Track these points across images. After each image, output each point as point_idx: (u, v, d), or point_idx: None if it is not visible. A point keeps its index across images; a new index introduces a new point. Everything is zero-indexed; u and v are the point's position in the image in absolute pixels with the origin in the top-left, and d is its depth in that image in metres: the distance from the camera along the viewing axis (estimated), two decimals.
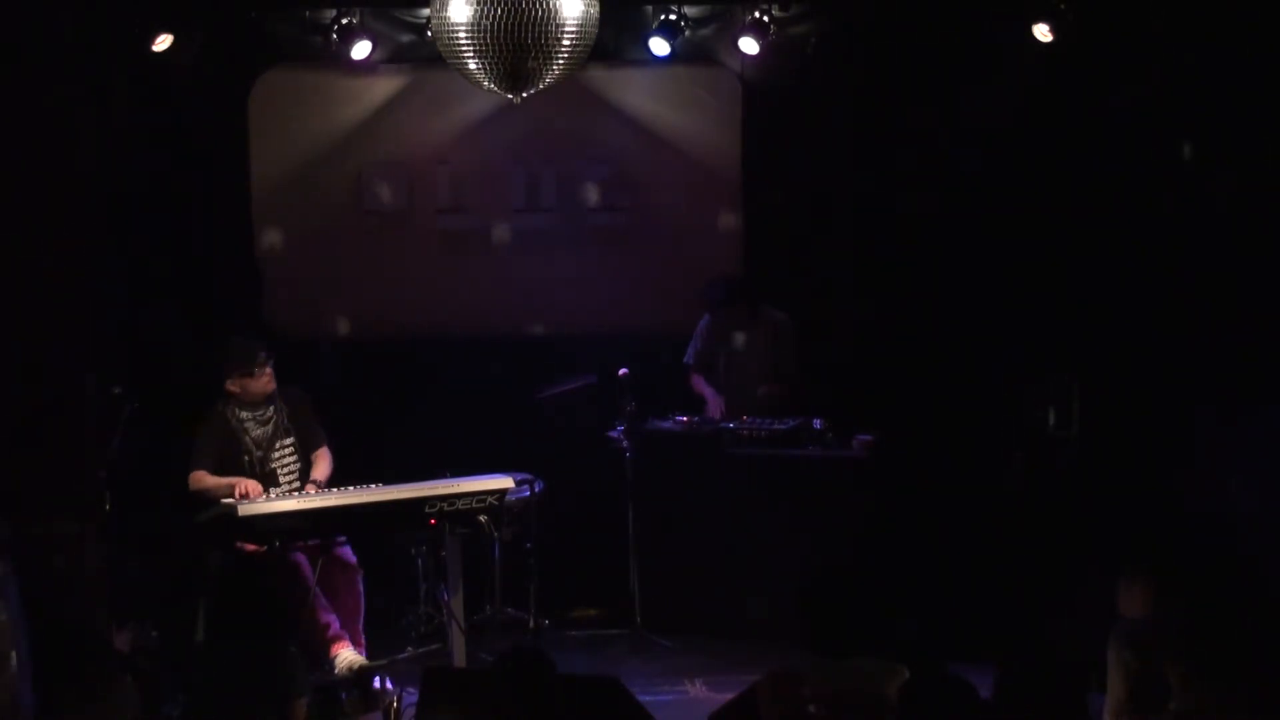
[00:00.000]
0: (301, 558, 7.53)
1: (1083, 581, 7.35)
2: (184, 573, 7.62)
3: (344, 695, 6.96)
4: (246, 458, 7.75)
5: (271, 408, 7.83)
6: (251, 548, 7.39)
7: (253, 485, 7.57)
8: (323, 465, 7.88)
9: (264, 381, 7.76)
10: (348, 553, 7.74)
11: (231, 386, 7.76)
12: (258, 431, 7.79)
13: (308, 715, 5.76)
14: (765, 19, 8.67)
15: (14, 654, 6.03)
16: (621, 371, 8.35)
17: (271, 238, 9.21)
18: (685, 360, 8.96)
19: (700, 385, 8.91)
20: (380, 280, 9.29)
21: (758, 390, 8.74)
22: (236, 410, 7.78)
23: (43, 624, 6.44)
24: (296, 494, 7.67)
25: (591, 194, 9.29)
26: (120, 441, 7.39)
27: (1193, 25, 8.20)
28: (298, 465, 7.86)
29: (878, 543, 8.03)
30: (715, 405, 8.78)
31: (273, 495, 7.58)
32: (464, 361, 9.20)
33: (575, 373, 8.79)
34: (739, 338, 8.81)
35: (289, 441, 7.86)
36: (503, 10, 6.32)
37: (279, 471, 7.79)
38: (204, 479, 7.68)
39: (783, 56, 8.92)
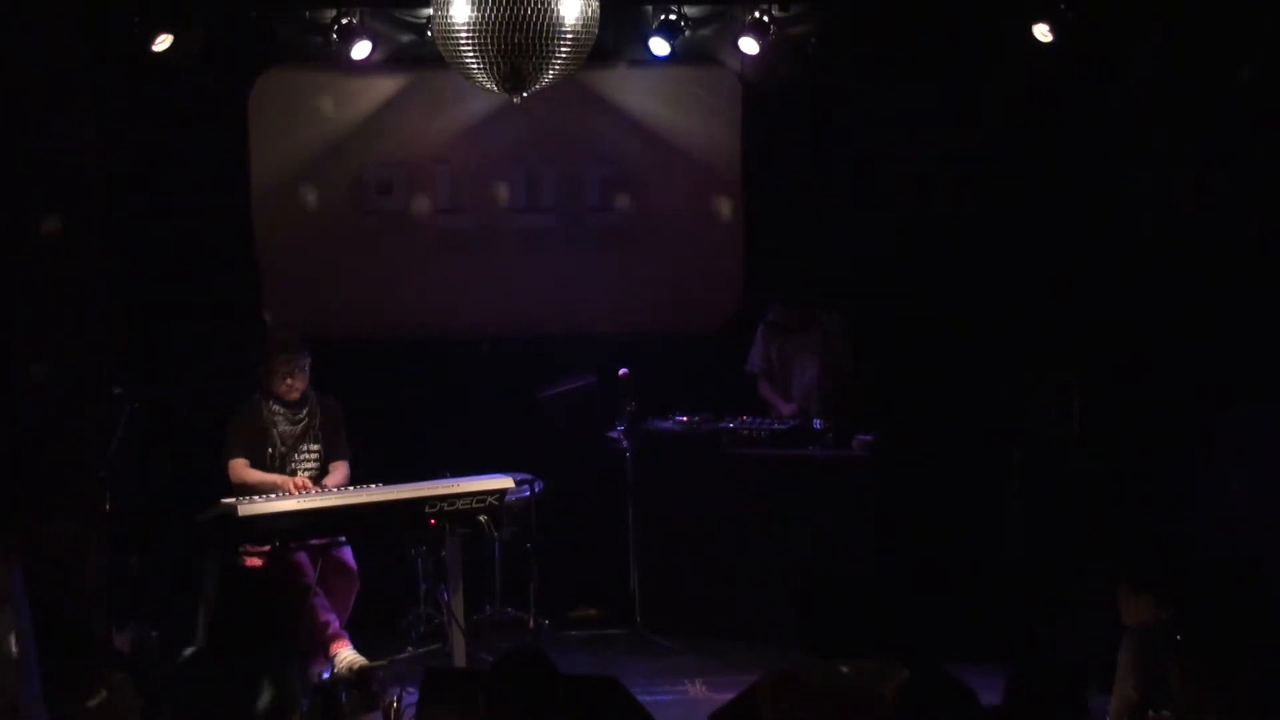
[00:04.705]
0: (303, 557, 7.52)
1: (1082, 582, 7.36)
2: (184, 573, 7.62)
3: (344, 695, 6.95)
4: (270, 450, 7.80)
5: (305, 410, 7.88)
6: (252, 561, 7.36)
7: (300, 482, 7.62)
8: (338, 473, 7.90)
9: (282, 385, 7.78)
10: (348, 556, 7.73)
11: (263, 369, 7.83)
12: (286, 428, 7.85)
13: (306, 715, 5.73)
14: (765, 19, 8.67)
15: (13, 646, 6.00)
16: (621, 371, 8.35)
17: (271, 238, 9.21)
18: (749, 368, 8.89)
19: (767, 392, 8.82)
20: (380, 280, 9.29)
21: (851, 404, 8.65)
22: (270, 404, 7.83)
23: (43, 624, 6.44)
24: (297, 494, 7.67)
25: (591, 194, 9.29)
26: (120, 441, 7.39)
27: (1193, 25, 8.20)
28: (318, 472, 7.88)
29: (877, 543, 8.03)
30: (788, 410, 8.69)
31: (274, 495, 7.57)
32: (464, 361, 9.20)
33: (575, 373, 8.78)
34: (794, 341, 8.79)
35: (314, 448, 7.90)
36: (503, 10, 6.32)
37: (298, 472, 7.81)
38: (247, 472, 7.73)
39: (783, 56, 8.93)
